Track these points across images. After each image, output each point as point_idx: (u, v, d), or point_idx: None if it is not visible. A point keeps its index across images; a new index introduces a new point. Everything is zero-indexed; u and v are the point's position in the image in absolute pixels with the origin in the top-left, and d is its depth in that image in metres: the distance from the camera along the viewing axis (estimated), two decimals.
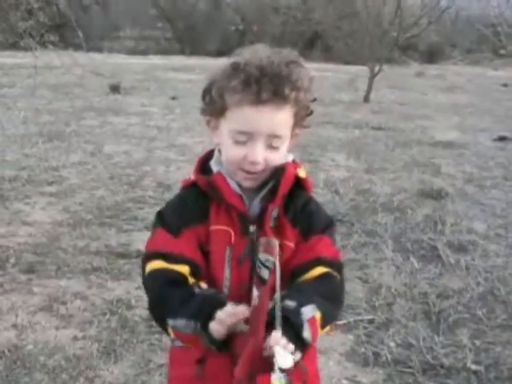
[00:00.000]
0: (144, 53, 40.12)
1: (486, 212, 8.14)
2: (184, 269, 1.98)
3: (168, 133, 13.18)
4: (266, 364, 1.72)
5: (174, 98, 18.53)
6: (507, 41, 50.28)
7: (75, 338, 4.51)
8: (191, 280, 1.98)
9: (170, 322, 1.93)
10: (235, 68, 1.93)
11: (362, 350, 4.48)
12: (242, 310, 1.77)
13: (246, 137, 1.95)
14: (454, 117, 17.23)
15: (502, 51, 49.54)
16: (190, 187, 2.09)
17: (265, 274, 1.75)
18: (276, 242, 1.78)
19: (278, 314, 1.75)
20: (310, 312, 1.86)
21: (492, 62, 45.13)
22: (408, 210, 7.83)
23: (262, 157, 1.95)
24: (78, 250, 6.20)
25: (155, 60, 33.94)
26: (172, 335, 1.97)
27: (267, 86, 1.88)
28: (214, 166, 2.09)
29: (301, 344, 1.80)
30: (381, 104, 19.18)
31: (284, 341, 1.72)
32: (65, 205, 7.63)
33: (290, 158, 2.11)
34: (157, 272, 2.01)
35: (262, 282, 1.75)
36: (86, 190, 8.37)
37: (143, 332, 4.60)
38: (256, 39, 33.65)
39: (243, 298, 1.89)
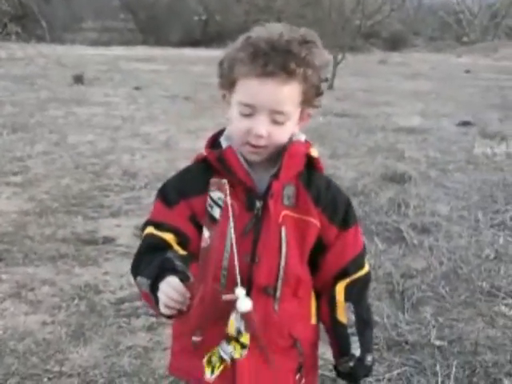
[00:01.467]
0: (107, 44, 39.94)
1: (449, 195, 8.24)
2: (169, 237, 2.04)
3: (132, 122, 13.16)
4: (217, 310, 1.80)
5: (137, 88, 18.47)
6: (469, 28, 50.78)
7: (44, 323, 4.53)
8: (176, 248, 2.03)
9: (138, 279, 2.01)
10: (246, 41, 1.95)
11: None
12: (182, 290, 1.81)
13: (250, 109, 1.96)
14: (418, 103, 17.34)
15: (465, 38, 50.17)
16: (199, 162, 2.14)
17: (216, 212, 1.79)
18: (225, 182, 1.85)
19: (236, 262, 1.80)
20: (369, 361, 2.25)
21: (455, 49, 45.51)
22: (372, 194, 7.91)
23: (266, 130, 1.97)
24: (45, 237, 6.21)
25: (118, 51, 33.74)
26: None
27: (274, 60, 1.88)
28: (223, 141, 2.12)
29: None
30: (345, 91, 19.24)
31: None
32: (31, 194, 7.62)
33: (302, 137, 2.13)
34: (145, 237, 2.11)
35: (213, 220, 1.78)
36: (51, 179, 8.36)
37: (112, 315, 4.64)
38: (219, 29, 33.65)
39: (243, 268, 1.93)
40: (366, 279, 2.25)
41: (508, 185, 8.78)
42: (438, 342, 4.39)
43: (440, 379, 3.93)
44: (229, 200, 1.83)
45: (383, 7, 22.18)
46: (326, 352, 4.12)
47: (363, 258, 2.24)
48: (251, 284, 2.00)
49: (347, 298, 2.17)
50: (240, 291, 1.76)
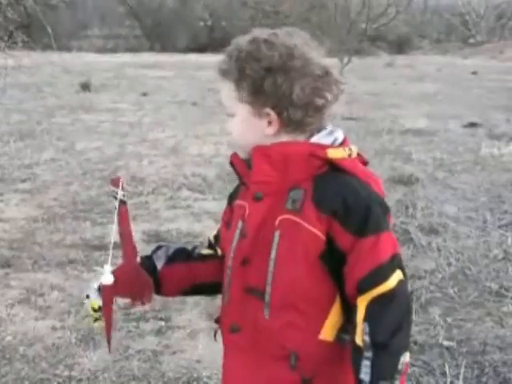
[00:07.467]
0: (113, 51, 40.08)
1: (456, 196, 8.24)
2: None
3: (140, 128, 13.20)
4: (143, 282, 1.98)
5: (144, 95, 18.52)
6: (475, 30, 50.66)
7: (54, 328, 4.56)
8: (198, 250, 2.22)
9: None
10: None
11: None
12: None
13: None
14: (424, 105, 17.33)
15: (471, 40, 50.05)
16: None
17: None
18: (119, 177, 2.05)
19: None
20: None
21: (461, 50, 45.39)
22: None
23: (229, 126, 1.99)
24: (54, 243, 6.24)
25: (125, 58, 33.80)
26: None
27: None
28: None
29: None
30: (351, 94, 19.18)
31: None
32: (39, 201, 7.65)
33: (324, 139, 1.97)
34: None
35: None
36: (59, 185, 8.40)
37: (121, 320, 4.66)
38: (225, 34, 33.75)
39: (238, 269, 1.98)
40: (391, 297, 1.84)
41: None
42: (446, 343, 4.39)
43: (449, 379, 3.93)
44: (120, 193, 2.01)
45: (389, 10, 22.20)
46: None
47: (386, 272, 1.85)
48: (243, 284, 1.98)
49: (365, 318, 1.84)
50: (106, 267, 1.99)
